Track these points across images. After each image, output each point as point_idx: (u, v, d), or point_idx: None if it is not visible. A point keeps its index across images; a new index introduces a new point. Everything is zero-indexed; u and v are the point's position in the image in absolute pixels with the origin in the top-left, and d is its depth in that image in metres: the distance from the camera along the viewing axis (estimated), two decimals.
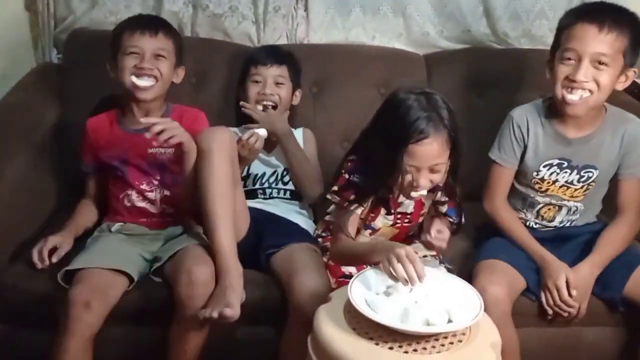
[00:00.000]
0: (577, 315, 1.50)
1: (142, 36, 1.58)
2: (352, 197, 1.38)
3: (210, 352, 1.48)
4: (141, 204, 1.61)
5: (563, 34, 1.51)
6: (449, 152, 1.32)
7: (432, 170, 1.32)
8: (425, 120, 1.27)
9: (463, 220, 1.51)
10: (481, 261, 1.52)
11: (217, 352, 1.51)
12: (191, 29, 2.07)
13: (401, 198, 1.43)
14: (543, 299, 1.50)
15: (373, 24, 2.13)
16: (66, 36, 2.00)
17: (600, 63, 1.44)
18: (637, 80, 2.09)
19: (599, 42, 1.43)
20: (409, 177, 1.32)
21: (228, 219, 1.46)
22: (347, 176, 1.41)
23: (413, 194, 1.34)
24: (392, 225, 1.50)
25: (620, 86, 1.52)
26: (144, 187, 1.61)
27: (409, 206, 1.48)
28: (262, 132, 1.67)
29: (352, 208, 1.39)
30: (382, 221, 1.48)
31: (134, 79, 1.56)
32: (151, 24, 1.62)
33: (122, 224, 1.60)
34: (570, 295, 1.46)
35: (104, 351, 1.44)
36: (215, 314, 1.33)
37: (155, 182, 1.61)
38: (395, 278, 1.18)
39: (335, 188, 1.41)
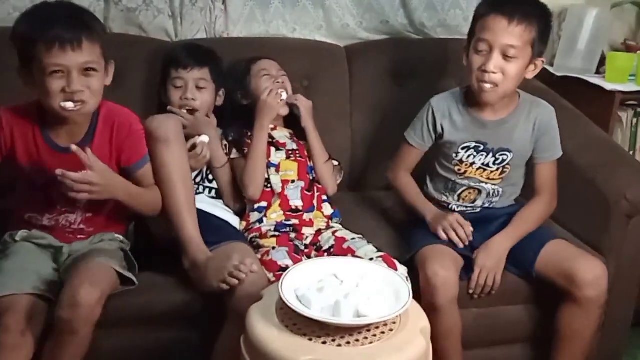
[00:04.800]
0: (493, 286, 1.56)
1: (63, 53, 1.29)
2: (233, 149, 1.75)
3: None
4: (53, 225, 1.45)
5: (477, 24, 1.57)
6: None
7: (283, 75, 1.80)
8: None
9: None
10: (426, 246, 1.54)
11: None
12: (104, 23, 1.98)
13: (279, 135, 1.80)
14: (441, 235, 1.56)
15: (293, 16, 2.12)
16: None
17: (508, 55, 1.50)
18: (546, 66, 2.21)
19: (509, 34, 1.49)
20: (268, 83, 1.75)
21: (192, 206, 1.48)
22: (223, 141, 1.76)
23: (282, 95, 1.75)
24: (287, 159, 1.76)
25: (530, 75, 1.59)
26: (64, 209, 1.45)
27: (292, 144, 1.80)
28: (205, 138, 1.65)
29: (238, 155, 1.74)
30: (278, 157, 1.76)
31: (63, 104, 1.33)
32: (70, 31, 1.30)
33: (27, 231, 1.44)
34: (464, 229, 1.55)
35: None
36: (222, 285, 1.36)
37: (79, 205, 1.45)
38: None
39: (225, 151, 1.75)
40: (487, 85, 1.53)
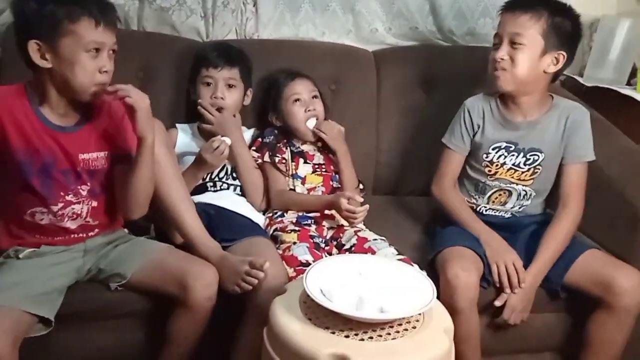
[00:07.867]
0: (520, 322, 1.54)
1: (108, 31, 1.32)
2: (268, 152, 1.78)
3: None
4: (60, 223, 1.38)
5: None
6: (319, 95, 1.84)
7: (314, 97, 1.82)
8: (288, 72, 1.86)
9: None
10: (447, 248, 1.53)
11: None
12: (137, 22, 2.03)
13: (309, 148, 1.84)
14: (495, 274, 1.52)
15: (322, 20, 2.14)
16: (4, 29, 1.91)
17: (515, 42, 1.55)
18: (576, 77, 2.20)
19: (512, 22, 1.57)
20: (299, 112, 1.79)
21: (187, 200, 1.47)
22: (260, 139, 1.82)
23: (309, 123, 1.79)
24: (313, 173, 1.80)
25: (552, 68, 1.59)
26: (70, 198, 1.38)
27: (320, 157, 1.83)
28: (228, 140, 1.67)
29: (269, 160, 1.78)
30: (304, 169, 1.80)
31: (97, 82, 1.32)
32: (109, 12, 1.34)
33: (33, 249, 1.37)
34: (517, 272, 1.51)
35: None
36: (236, 288, 1.37)
37: (84, 193, 1.39)
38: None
39: (253, 148, 1.81)
40: (497, 72, 1.58)
